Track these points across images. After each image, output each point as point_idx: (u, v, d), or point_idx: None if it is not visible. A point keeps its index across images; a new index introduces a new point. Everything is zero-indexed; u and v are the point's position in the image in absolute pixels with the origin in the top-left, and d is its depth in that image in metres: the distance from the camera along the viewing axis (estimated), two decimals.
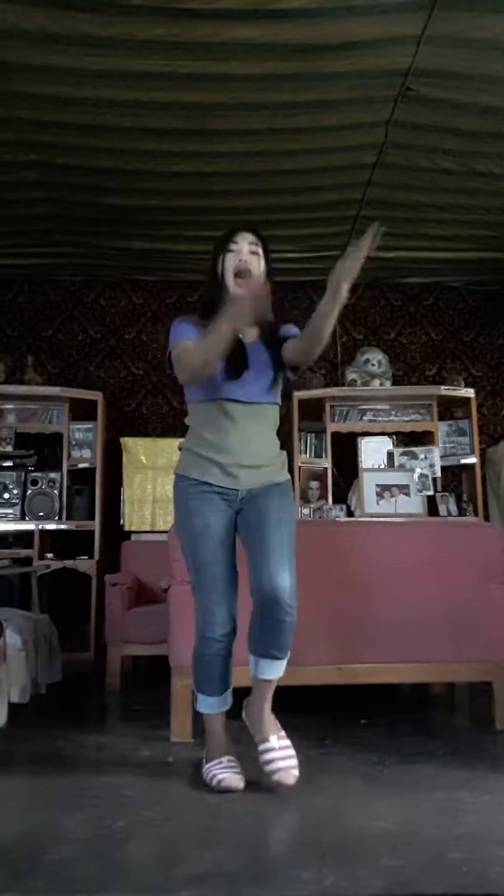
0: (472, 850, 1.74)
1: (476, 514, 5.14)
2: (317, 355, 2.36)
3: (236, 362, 2.30)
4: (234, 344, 2.27)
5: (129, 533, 5.01)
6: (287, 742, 2.25)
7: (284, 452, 2.47)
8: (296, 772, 2.20)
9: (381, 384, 5.28)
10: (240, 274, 2.34)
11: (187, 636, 2.76)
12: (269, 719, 2.28)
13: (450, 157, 4.03)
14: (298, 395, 5.22)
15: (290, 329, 2.42)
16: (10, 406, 5.24)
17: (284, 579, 2.18)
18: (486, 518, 5.35)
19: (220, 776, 2.20)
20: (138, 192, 4.40)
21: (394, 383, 5.41)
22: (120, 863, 1.72)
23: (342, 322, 5.86)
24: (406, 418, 5.37)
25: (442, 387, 5.35)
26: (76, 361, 5.76)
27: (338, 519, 5.00)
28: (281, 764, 2.19)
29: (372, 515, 4.95)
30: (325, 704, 3.24)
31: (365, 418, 5.37)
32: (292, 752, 2.24)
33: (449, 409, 5.49)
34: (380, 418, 5.37)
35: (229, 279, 2.35)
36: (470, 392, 5.30)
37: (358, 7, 2.93)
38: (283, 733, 2.27)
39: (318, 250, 5.27)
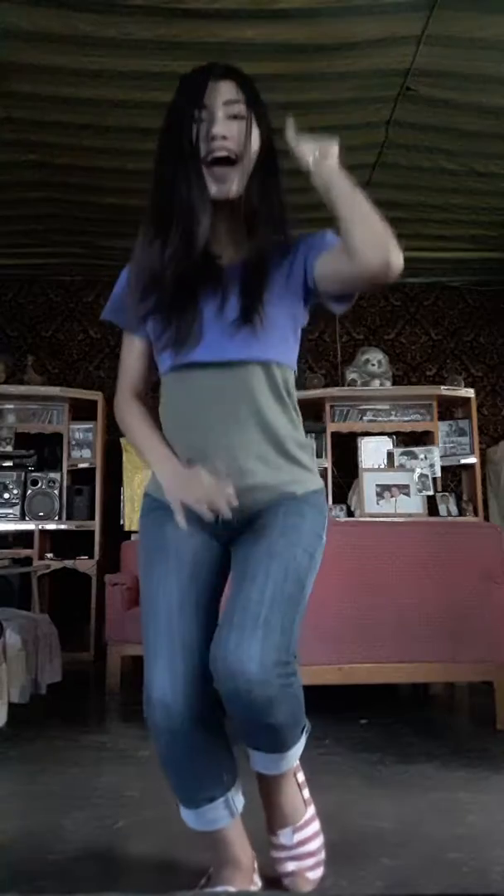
0: (472, 850, 1.75)
1: (476, 514, 5.14)
2: (385, 261, 1.40)
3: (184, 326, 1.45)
4: (200, 266, 1.45)
5: (129, 533, 5.00)
6: (307, 833, 1.57)
7: (311, 442, 1.67)
8: (315, 873, 1.56)
9: (381, 384, 5.28)
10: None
11: None
12: (284, 806, 1.56)
13: (450, 157, 4.02)
14: (298, 395, 5.18)
15: (320, 240, 1.55)
16: (10, 406, 5.24)
17: (250, 661, 1.28)
18: (486, 518, 5.36)
19: None
20: (138, 192, 4.34)
21: (394, 383, 5.41)
22: (120, 863, 1.72)
23: (342, 322, 5.87)
24: (406, 418, 5.37)
25: (442, 387, 5.35)
26: (76, 361, 5.76)
27: (338, 519, 5.00)
28: (291, 867, 1.55)
29: (372, 515, 4.95)
30: (325, 704, 3.24)
31: (365, 418, 5.37)
32: (312, 846, 1.57)
33: (449, 409, 5.49)
34: (380, 418, 5.37)
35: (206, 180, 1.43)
36: (470, 392, 5.31)
37: (358, 7, 2.93)
38: (307, 815, 1.58)
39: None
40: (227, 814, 1.47)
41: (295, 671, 1.39)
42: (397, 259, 1.37)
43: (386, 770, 2.42)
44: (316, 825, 1.60)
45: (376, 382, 5.27)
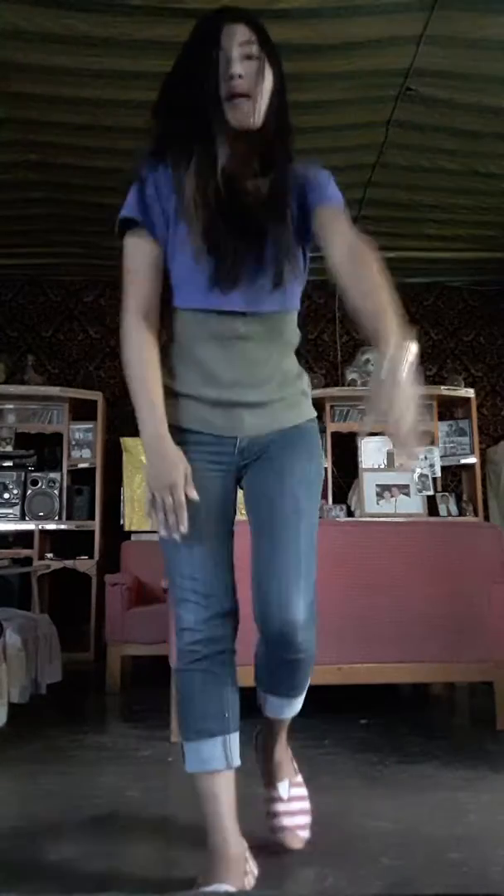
0: (472, 850, 1.74)
1: (476, 514, 5.14)
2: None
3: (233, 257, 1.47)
4: (237, 204, 1.49)
5: (129, 533, 5.01)
6: (300, 791, 1.78)
7: (306, 375, 1.71)
8: (305, 833, 1.74)
9: None
10: None
11: None
12: (282, 760, 1.79)
13: (450, 157, 4.03)
14: None
15: (322, 191, 1.64)
16: (10, 406, 5.24)
17: (297, 610, 1.49)
18: (486, 518, 5.36)
19: None
20: None
21: None
22: (120, 863, 1.72)
23: (342, 322, 5.87)
24: None
25: (442, 387, 5.36)
26: (76, 361, 5.76)
27: (338, 519, 5.00)
28: (286, 822, 1.73)
29: (372, 515, 4.95)
30: (325, 704, 3.24)
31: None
32: (304, 804, 1.77)
33: (449, 409, 5.49)
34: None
35: (226, 113, 1.47)
36: (470, 392, 5.31)
37: (358, 7, 2.93)
38: (298, 778, 1.81)
39: (319, 250, 5.27)
40: (223, 757, 1.52)
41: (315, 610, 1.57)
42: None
43: (386, 770, 2.41)
44: (305, 791, 1.80)
45: None
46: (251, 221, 1.50)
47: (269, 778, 1.78)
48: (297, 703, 1.71)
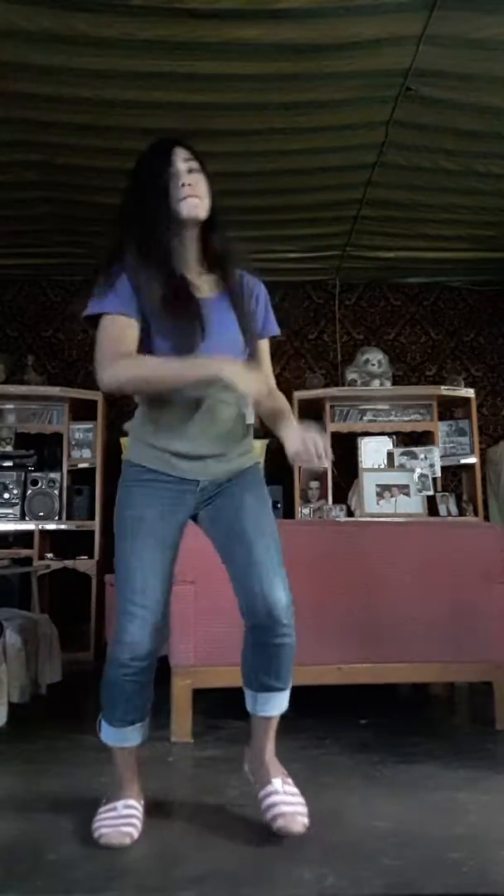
0: (472, 850, 1.74)
1: (476, 514, 5.14)
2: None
3: (190, 329, 1.82)
4: (185, 299, 1.84)
5: None
6: (293, 788, 1.93)
7: (250, 435, 2.06)
8: (304, 819, 1.84)
9: (381, 384, 5.28)
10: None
11: (188, 636, 2.77)
12: (272, 762, 1.96)
13: (450, 157, 4.03)
14: (298, 395, 5.22)
15: (266, 315, 2.01)
16: (10, 406, 5.24)
17: (280, 595, 1.83)
18: (486, 518, 5.36)
19: (101, 830, 1.82)
20: None
21: (394, 383, 5.41)
22: (120, 863, 1.72)
23: (342, 322, 5.88)
24: (406, 418, 5.37)
25: (442, 387, 5.35)
26: (76, 361, 5.76)
27: (338, 519, 5.00)
28: (285, 808, 1.85)
29: (372, 515, 4.95)
30: (325, 704, 3.24)
31: (365, 418, 5.37)
32: (299, 797, 1.90)
33: (449, 409, 5.49)
34: (380, 418, 5.37)
35: (176, 212, 1.85)
36: (470, 392, 5.31)
37: (358, 7, 2.93)
38: (288, 779, 1.95)
39: (318, 250, 5.28)
40: (139, 736, 1.97)
41: None
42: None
43: (386, 770, 2.41)
44: (297, 790, 1.93)
45: (376, 382, 5.27)
46: (199, 311, 1.85)
47: (263, 779, 1.94)
48: (283, 699, 1.93)
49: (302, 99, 3.52)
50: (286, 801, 1.87)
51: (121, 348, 1.81)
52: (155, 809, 2.05)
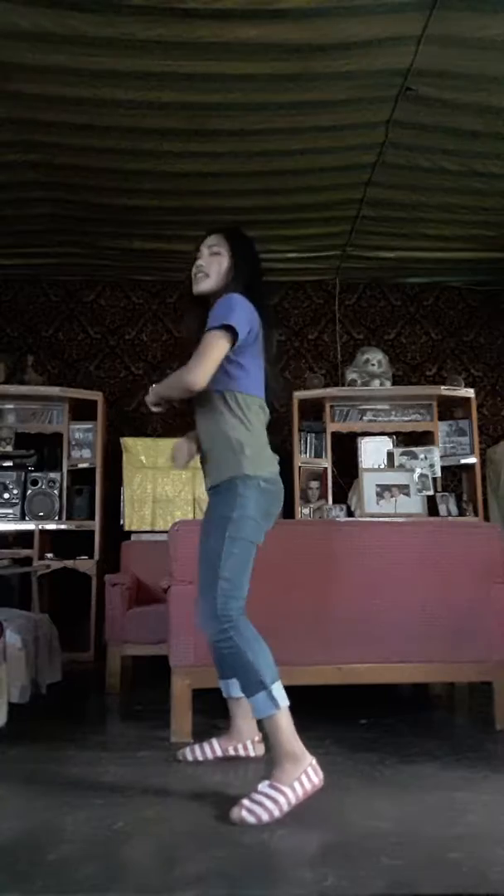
0: (472, 850, 1.75)
1: (476, 514, 5.14)
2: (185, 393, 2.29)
3: None
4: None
5: (129, 533, 5.01)
6: (272, 790, 2.00)
7: (229, 442, 2.25)
8: (248, 816, 1.93)
9: (381, 384, 5.28)
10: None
11: (187, 636, 2.77)
12: (244, 727, 2.51)
13: (450, 157, 4.03)
14: (298, 395, 5.22)
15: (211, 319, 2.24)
16: (10, 406, 5.24)
17: (201, 607, 2.21)
18: (486, 518, 5.36)
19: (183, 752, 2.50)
20: (138, 192, 4.40)
21: (394, 383, 5.41)
22: (120, 863, 1.72)
23: (342, 322, 5.88)
24: (406, 418, 5.37)
25: (442, 387, 5.35)
26: (76, 361, 5.76)
27: (338, 519, 5.00)
28: (244, 801, 1.96)
29: (372, 515, 4.95)
30: (325, 704, 3.24)
31: (365, 418, 5.37)
32: (268, 798, 1.98)
33: (449, 409, 5.49)
34: (380, 418, 5.37)
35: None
36: (470, 392, 5.31)
37: (358, 7, 2.93)
38: (276, 782, 2.02)
39: (318, 250, 5.28)
40: (227, 691, 2.53)
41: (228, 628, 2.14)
42: (192, 382, 2.19)
43: (386, 770, 2.42)
44: (281, 799, 1.97)
45: (376, 382, 5.27)
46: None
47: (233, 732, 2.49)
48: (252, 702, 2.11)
49: (302, 99, 3.52)
50: (250, 798, 1.98)
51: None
52: (155, 809, 2.06)
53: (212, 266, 2.33)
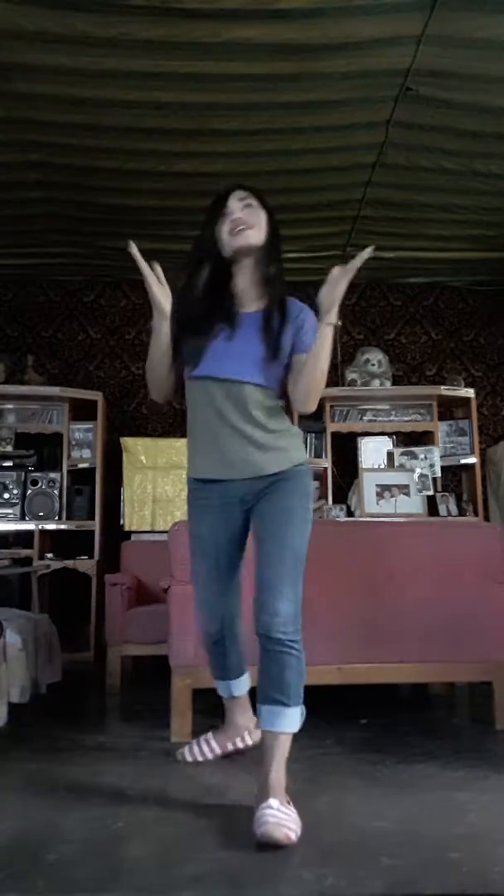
0: (472, 850, 1.74)
1: (476, 514, 5.14)
2: (309, 407, 2.12)
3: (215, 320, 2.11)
4: (225, 310, 2.12)
5: (129, 533, 5.01)
6: (289, 808, 1.86)
7: (296, 430, 2.26)
8: (290, 832, 1.78)
9: (381, 384, 5.28)
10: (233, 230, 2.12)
11: (187, 636, 2.77)
12: (276, 784, 1.91)
13: (450, 157, 4.03)
14: None
15: (305, 337, 2.13)
16: (10, 406, 5.24)
17: (279, 606, 1.94)
18: (486, 518, 5.36)
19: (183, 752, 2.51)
20: (138, 192, 4.40)
21: (394, 383, 5.41)
22: (120, 863, 1.72)
23: (342, 322, 5.86)
24: (406, 418, 5.37)
25: (442, 387, 5.36)
26: (76, 361, 5.76)
27: (338, 519, 5.00)
28: (272, 819, 1.79)
29: (372, 515, 4.95)
30: (325, 704, 3.24)
31: (365, 418, 5.37)
32: (293, 815, 1.84)
33: (449, 409, 5.49)
34: (380, 418, 5.37)
35: (227, 247, 2.13)
36: (470, 392, 5.31)
37: (358, 7, 2.93)
38: (289, 802, 1.89)
39: (318, 250, 5.27)
40: (229, 692, 2.49)
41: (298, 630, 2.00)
42: (312, 408, 2.15)
43: (386, 770, 2.41)
44: (296, 814, 1.85)
45: (376, 382, 5.27)
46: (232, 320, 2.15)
47: (261, 796, 1.88)
48: (292, 717, 1.98)
49: (302, 99, 3.52)
50: (275, 816, 1.80)
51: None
52: (155, 809, 2.05)
53: (253, 217, 2.15)
